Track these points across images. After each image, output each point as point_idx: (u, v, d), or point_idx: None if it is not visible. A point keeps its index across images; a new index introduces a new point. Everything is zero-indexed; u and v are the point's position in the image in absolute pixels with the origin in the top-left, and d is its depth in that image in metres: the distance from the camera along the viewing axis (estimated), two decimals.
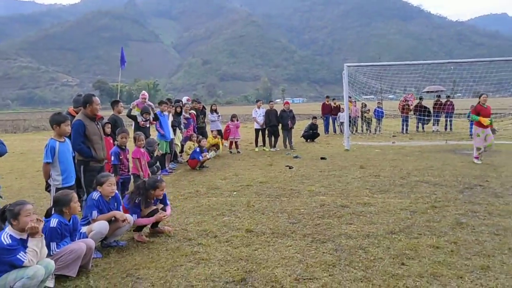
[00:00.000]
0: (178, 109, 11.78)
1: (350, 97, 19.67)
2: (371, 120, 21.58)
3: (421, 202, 6.78)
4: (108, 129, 7.82)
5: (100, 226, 4.65)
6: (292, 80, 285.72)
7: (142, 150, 7.62)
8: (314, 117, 18.91)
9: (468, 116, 19.15)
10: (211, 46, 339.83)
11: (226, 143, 14.61)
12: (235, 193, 7.81)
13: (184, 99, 13.22)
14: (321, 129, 20.53)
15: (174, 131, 11.26)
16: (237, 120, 14.58)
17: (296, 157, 12.63)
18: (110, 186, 4.94)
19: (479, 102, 10.92)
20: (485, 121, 10.60)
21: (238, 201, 7.13)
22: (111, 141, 7.74)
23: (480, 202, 6.65)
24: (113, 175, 5.43)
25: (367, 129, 21.56)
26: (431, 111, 20.99)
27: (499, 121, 20.29)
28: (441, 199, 6.93)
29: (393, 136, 19.31)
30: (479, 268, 4.08)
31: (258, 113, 14.70)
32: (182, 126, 11.95)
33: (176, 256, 4.62)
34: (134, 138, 7.51)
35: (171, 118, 11.16)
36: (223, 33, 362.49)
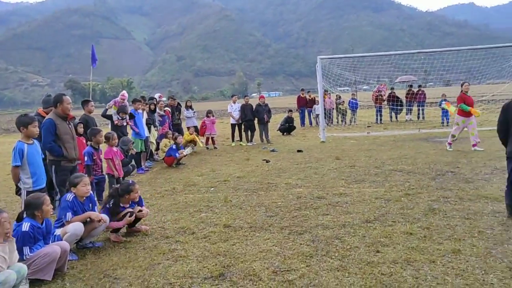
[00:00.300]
0: (152, 107, 11.65)
1: (326, 90, 19.88)
2: (346, 112, 21.84)
3: (395, 190, 6.92)
4: (80, 129, 7.67)
5: (75, 227, 4.58)
6: (267, 74, 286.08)
7: (115, 149, 7.51)
8: (290, 110, 19.02)
9: (440, 105, 19.63)
10: (184, 42, 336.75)
11: (203, 139, 14.54)
12: (212, 189, 7.80)
13: (156, 96, 13.08)
14: (297, 122, 20.67)
15: (149, 128, 11.15)
16: (213, 116, 14.52)
17: (273, 150, 12.68)
18: (84, 187, 4.86)
19: (462, 91, 10.94)
20: (476, 112, 10.66)
21: (216, 196, 7.13)
22: (84, 141, 7.60)
23: (451, 188, 6.83)
24: (86, 175, 5.34)
25: (342, 121, 21.80)
26: (403, 100, 21.38)
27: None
28: (414, 186, 7.09)
29: (368, 126, 19.60)
30: (451, 252, 4.20)
31: (234, 108, 14.69)
32: (157, 124, 11.83)
33: (153, 254, 4.59)
34: (107, 138, 7.40)
35: (145, 116, 11.04)
36: (196, 28, 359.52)
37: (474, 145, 10.69)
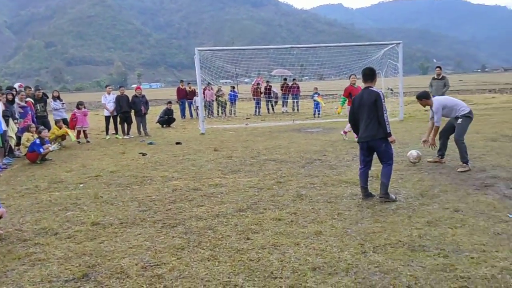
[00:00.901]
0: (10, 97, 10.42)
1: (209, 83, 19.96)
2: (226, 104, 22.18)
3: (268, 178, 7.22)
4: None
5: None
6: (148, 64, 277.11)
7: None
8: (169, 102, 18.69)
9: (312, 97, 21.05)
10: (54, 27, 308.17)
11: (74, 133, 13.50)
12: (81, 185, 7.30)
13: (16, 86, 11.78)
14: (177, 114, 20.42)
15: (7, 122, 9.96)
16: (85, 108, 13.59)
17: (150, 143, 12.34)
18: None
19: (350, 83, 11.54)
20: (339, 111, 11.46)
21: (85, 193, 6.69)
22: None
23: (317, 174, 7.36)
24: None
25: (222, 113, 22.11)
26: (279, 93, 22.47)
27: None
28: (286, 174, 7.48)
29: (247, 118, 20.17)
30: (313, 233, 4.52)
31: (108, 100, 13.93)
32: (17, 116, 10.64)
33: (6, 260, 4.12)
34: None
35: (2, 107, 9.84)
36: (68, 13, 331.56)
37: (345, 132, 11.51)
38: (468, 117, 7.27)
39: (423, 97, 7.40)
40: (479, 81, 59.94)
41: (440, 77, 14.66)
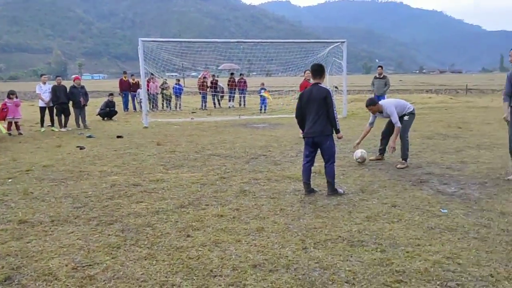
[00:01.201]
0: None
1: (152, 74, 19.41)
2: (171, 97, 21.73)
3: (211, 174, 7.09)
4: None
5: None
6: (90, 54, 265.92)
7: None
8: (111, 94, 17.99)
9: (259, 92, 21.09)
10: None
11: (5, 124, 12.61)
12: (9, 180, 6.79)
13: None
14: (120, 106, 19.72)
15: None
16: (16, 97, 12.71)
17: (89, 136, 11.80)
18: None
19: (304, 79, 11.47)
20: None
21: (13, 189, 6.22)
22: None
23: (262, 170, 7.33)
24: None
25: (167, 106, 21.63)
26: (225, 87, 22.34)
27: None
28: (230, 170, 7.39)
29: (193, 112, 19.86)
30: (255, 230, 4.46)
31: (44, 89, 13.16)
32: None
33: None
34: None
35: None
36: None
37: None
38: (413, 114, 7.66)
39: (374, 103, 7.56)
40: (418, 81, 63.11)
41: (381, 76, 15.18)
